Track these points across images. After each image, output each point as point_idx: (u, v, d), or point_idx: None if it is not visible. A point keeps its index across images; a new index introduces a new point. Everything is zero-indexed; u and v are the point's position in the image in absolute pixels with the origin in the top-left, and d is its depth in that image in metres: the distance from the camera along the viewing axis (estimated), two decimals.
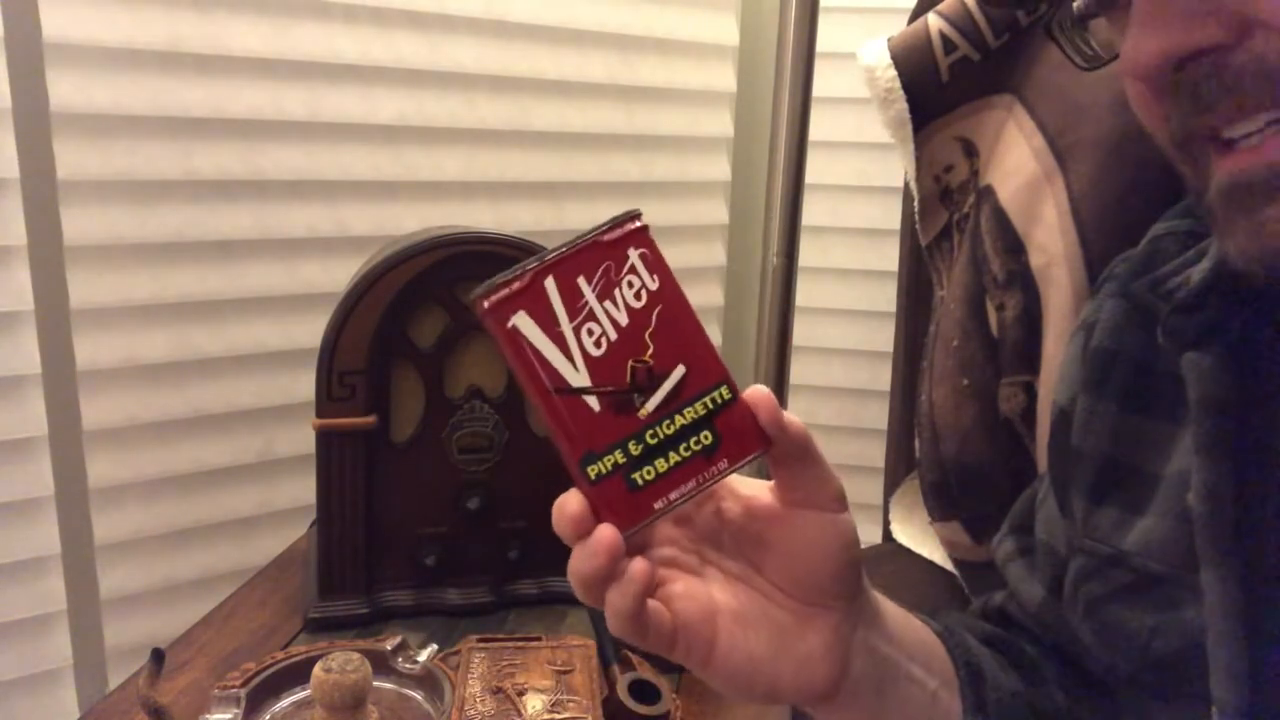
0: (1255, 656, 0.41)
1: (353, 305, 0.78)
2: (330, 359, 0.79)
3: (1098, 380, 0.52)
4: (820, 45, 1.05)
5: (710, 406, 0.38)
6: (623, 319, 0.38)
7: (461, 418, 0.84)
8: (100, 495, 0.99)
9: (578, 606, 0.86)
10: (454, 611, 0.85)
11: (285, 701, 0.68)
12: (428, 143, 1.14)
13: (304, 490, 1.09)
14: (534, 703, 0.67)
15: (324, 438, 0.81)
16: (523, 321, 0.37)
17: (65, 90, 0.91)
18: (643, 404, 0.37)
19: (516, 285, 0.38)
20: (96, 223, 0.95)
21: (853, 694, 0.42)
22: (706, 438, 0.38)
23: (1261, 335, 0.45)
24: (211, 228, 1.02)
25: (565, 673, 0.70)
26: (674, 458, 0.37)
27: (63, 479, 0.97)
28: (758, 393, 0.38)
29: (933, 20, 0.88)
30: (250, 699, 0.66)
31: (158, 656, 0.64)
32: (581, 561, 0.36)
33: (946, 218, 0.94)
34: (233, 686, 0.65)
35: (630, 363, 0.38)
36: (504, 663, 0.72)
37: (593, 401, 0.37)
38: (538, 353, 0.37)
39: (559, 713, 0.66)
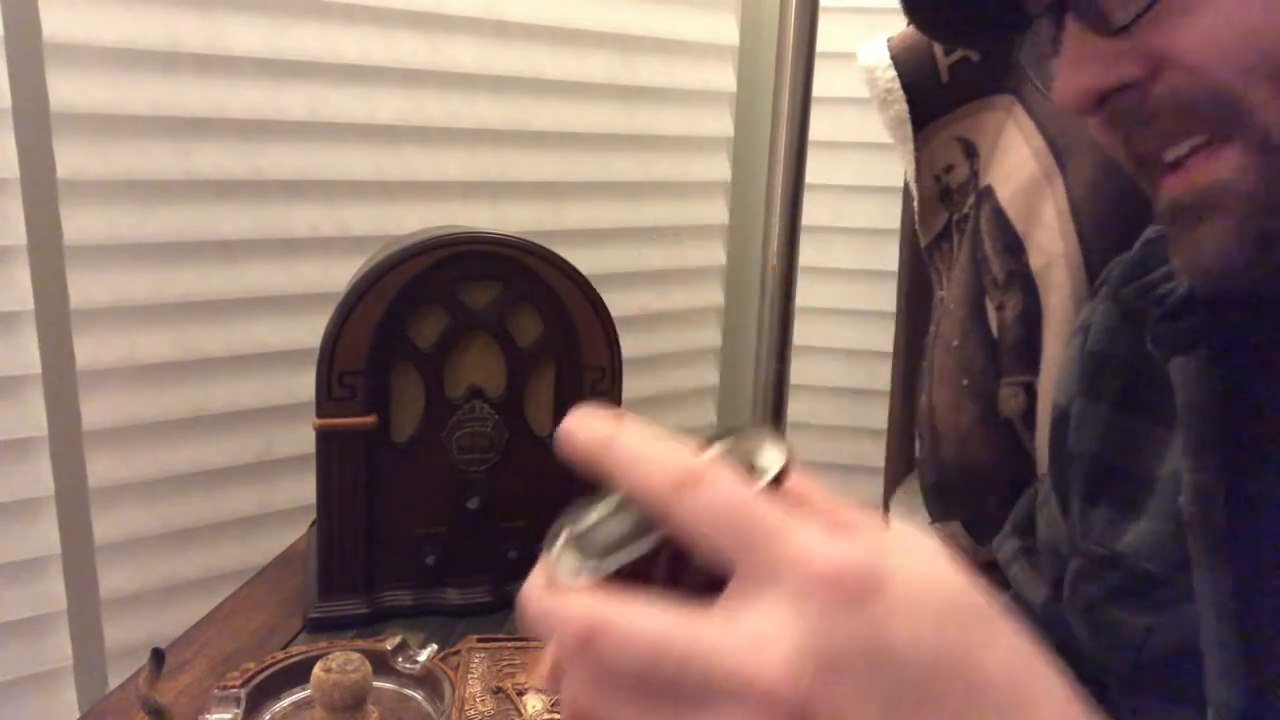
0: (1251, 658, 0.41)
1: (353, 305, 0.78)
2: (330, 359, 0.79)
3: (1090, 383, 0.53)
4: (820, 45, 1.05)
5: None
6: None
7: (461, 418, 0.84)
8: (100, 495, 0.99)
9: None
10: (454, 611, 0.85)
11: (285, 701, 0.68)
12: (428, 143, 1.14)
13: (304, 490, 1.09)
14: (534, 703, 0.67)
15: (324, 438, 0.81)
16: None
17: (65, 90, 0.91)
18: None
19: None
20: (96, 223, 0.95)
21: None
22: None
23: (1248, 339, 0.45)
24: (211, 228, 1.02)
25: None
26: None
27: (63, 479, 0.97)
28: None
29: None
30: (250, 699, 0.66)
31: (158, 656, 0.64)
32: None
33: (946, 218, 0.94)
34: (233, 686, 0.65)
35: None
36: (504, 663, 0.72)
37: None
38: None
39: (559, 713, 0.66)
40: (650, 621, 0.25)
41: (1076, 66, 0.40)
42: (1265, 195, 0.38)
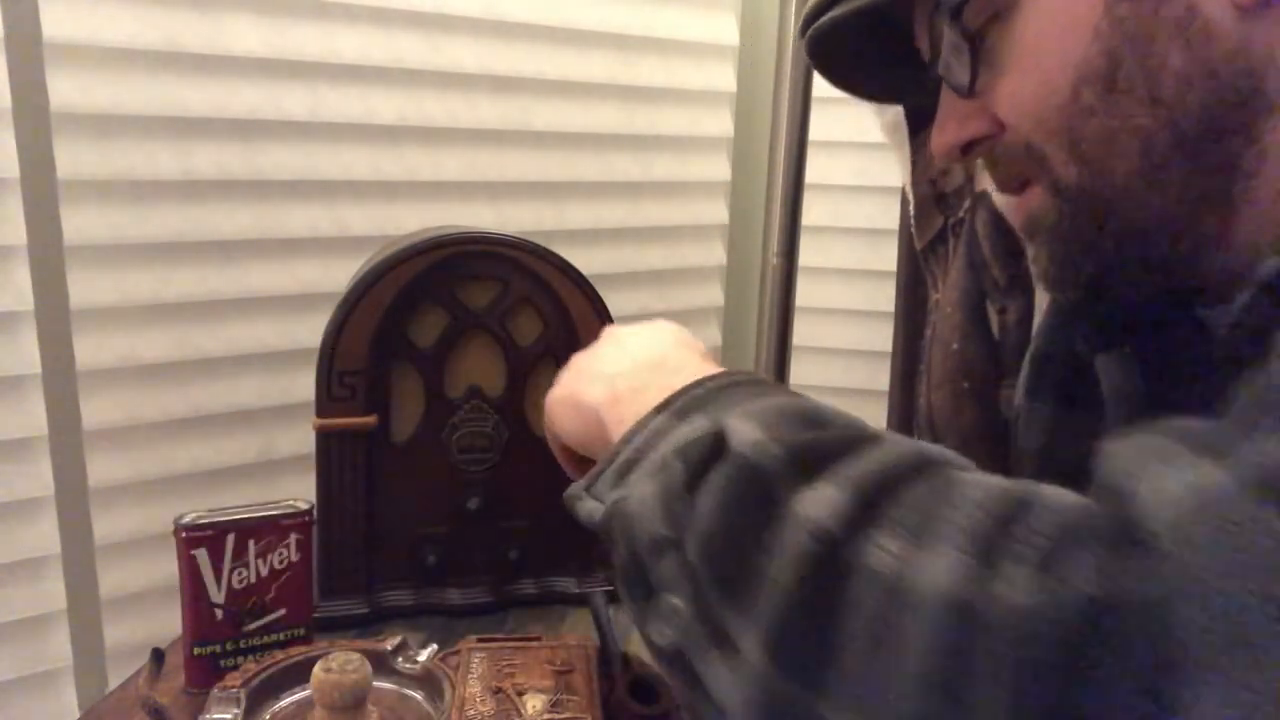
0: None
1: (353, 305, 0.78)
2: (330, 359, 0.79)
3: (1034, 383, 0.57)
4: None
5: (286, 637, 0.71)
6: (265, 571, 0.69)
7: (461, 418, 0.84)
8: (100, 495, 0.99)
9: (578, 606, 0.87)
10: (454, 611, 0.85)
11: (285, 701, 0.68)
12: (428, 143, 1.14)
13: (304, 490, 1.09)
14: (534, 703, 0.67)
15: (324, 438, 0.81)
16: (200, 554, 0.66)
17: (65, 90, 0.91)
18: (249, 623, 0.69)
19: (208, 531, 0.66)
20: (96, 223, 0.95)
21: None
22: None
23: (1167, 337, 0.50)
24: (211, 228, 1.02)
25: (565, 673, 0.70)
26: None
27: (63, 479, 0.97)
28: None
29: None
30: (250, 699, 0.66)
31: (158, 656, 0.64)
32: None
33: (942, 222, 0.94)
34: (233, 686, 0.66)
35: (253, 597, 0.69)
36: (504, 663, 0.72)
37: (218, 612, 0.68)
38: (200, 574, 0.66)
39: (559, 713, 0.66)
40: None
41: (942, 123, 0.50)
42: (1062, 227, 0.46)
